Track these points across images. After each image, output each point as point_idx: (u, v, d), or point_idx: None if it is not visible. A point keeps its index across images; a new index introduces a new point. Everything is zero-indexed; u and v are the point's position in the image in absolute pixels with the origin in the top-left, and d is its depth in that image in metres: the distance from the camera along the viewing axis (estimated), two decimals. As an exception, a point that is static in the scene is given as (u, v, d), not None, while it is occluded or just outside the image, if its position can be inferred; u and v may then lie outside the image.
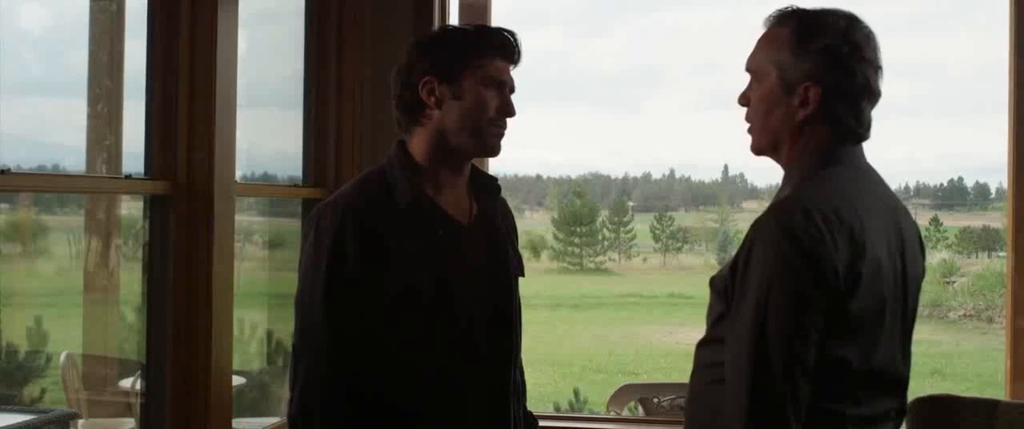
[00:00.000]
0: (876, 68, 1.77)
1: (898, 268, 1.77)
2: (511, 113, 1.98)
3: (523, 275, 2.10)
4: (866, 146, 1.83)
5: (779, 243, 1.64)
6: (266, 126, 3.57)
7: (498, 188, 2.08)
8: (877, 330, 1.73)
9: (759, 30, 1.85)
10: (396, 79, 1.99)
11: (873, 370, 1.74)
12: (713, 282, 1.81)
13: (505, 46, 1.97)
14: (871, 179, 1.81)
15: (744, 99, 1.84)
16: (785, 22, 1.79)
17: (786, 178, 1.80)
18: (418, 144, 1.97)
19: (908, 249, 1.80)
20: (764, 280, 1.63)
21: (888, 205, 1.80)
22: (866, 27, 1.78)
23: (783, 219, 1.66)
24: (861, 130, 1.78)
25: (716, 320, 1.79)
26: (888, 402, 1.80)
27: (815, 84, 1.73)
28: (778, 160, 1.83)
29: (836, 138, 1.76)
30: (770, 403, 1.62)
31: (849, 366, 1.70)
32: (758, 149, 1.83)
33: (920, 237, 1.89)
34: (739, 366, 1.65)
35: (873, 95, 1.77)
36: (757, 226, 1.69)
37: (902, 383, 1.84)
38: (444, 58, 1.94)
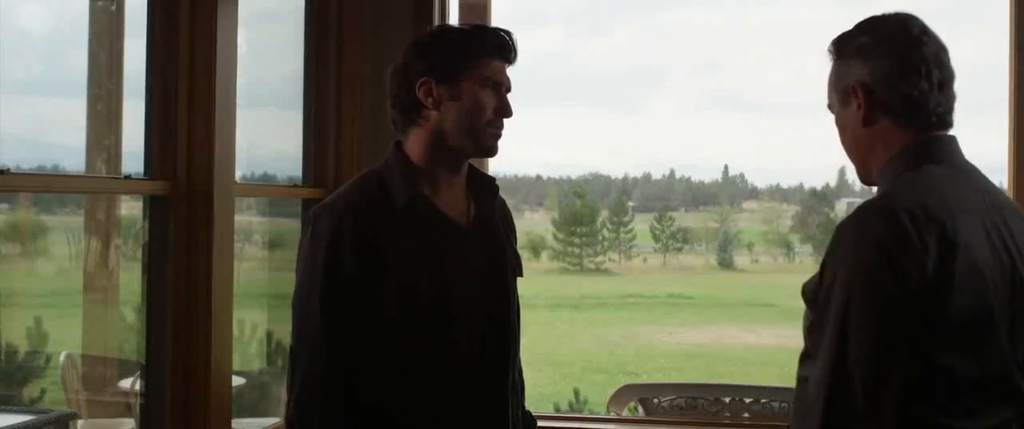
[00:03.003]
0: (933, 47, 1.73)
1: (1006, 267, 1.65)
2: (508, 114, 1.97)
3: (521, 275, 2.09)
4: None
5: (860, 245, 1.60)
6: (266, 126, 3.57)
7: (496, 188, 2.07)
8: (984, 335, 1.62)
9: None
10: (392, 79, 1.98)
11: (982, 378, 1.62)
12: (804, 291, 1.72)
13: (502, 46, 1.96)
14: (971, 177, 1.73)
15: (842, 141, 1.82)
16: (829, 54, 1.81)
17: (879, 186, 1.74)
18: (415, 145, 1.97)
19: (1020, 248, 1.69)
20: (846, 285, 1.57)
21: (992, 202, 1.70)
22: (903, 15, 1.76)
23: (865, 219, 1.62)
24: (929, 109, 1.71)
25: (808, 330, 1.70)
26: (1003, 411, 1.66)
27: (861, 78, 1.72)
28: (870, 178, 1.78)
29: (907, 125, 1.72)
30: (847, 417, 1.55)
31: (954, 374, 1.59)
32: (863, 178, 1.80)
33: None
34: (820, 377, 1.58)
35: (929, 71, 1.71)
36: (841, 228, 1.63)
37: (1020, 392, 1.68)
38: (442, 59, 1.94)
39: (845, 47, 1.77)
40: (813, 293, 1.68)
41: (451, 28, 2.09)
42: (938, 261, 1.56)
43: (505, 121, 1.98)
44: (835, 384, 1.56)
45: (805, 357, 1.72)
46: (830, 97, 1.81)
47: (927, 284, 1.55)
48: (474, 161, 2.08)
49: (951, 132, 1.76)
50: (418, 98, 1.93)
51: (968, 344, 1.60)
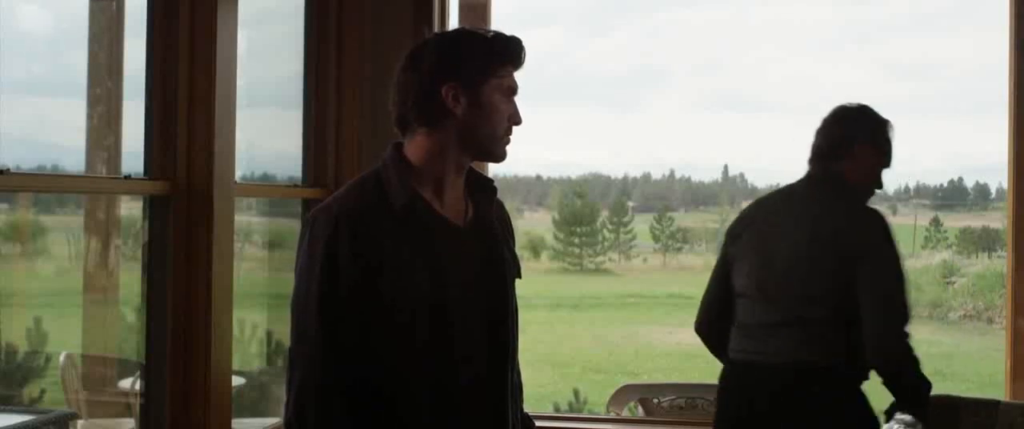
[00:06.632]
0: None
1: (787, 231, 2.69)
2: (520, 122, 1.98)
3: (520, 276, 2.09)
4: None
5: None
6: (266, 126, 3.57)
7: (494, 189, 2.07)
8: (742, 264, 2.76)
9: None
10: (409, 77, 1.95)
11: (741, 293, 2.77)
12: None
13: (520, 55, 1.97)
14: (797, 188, 2.75)
15: None
16: None
17: None
18: (422, 146, 1.95)
19: (797, 222, 2.68)
20: None
21: (798, 197, 2.74)
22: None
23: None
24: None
25: None
26: (768, 314, 2.67)
27: None
28: None
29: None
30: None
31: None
32: None
33: (825, 218, 2.67)
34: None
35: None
36: None
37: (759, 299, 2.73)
38: (470, 65, 1.93)
39: None
40: None
41: (475, 33, 2.06)
42: (732, 234, 2.85)
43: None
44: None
45: None
46: None
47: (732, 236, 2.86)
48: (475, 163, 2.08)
49: (813, 168, 2.72)
50: (443, 102, 1.92)
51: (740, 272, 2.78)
